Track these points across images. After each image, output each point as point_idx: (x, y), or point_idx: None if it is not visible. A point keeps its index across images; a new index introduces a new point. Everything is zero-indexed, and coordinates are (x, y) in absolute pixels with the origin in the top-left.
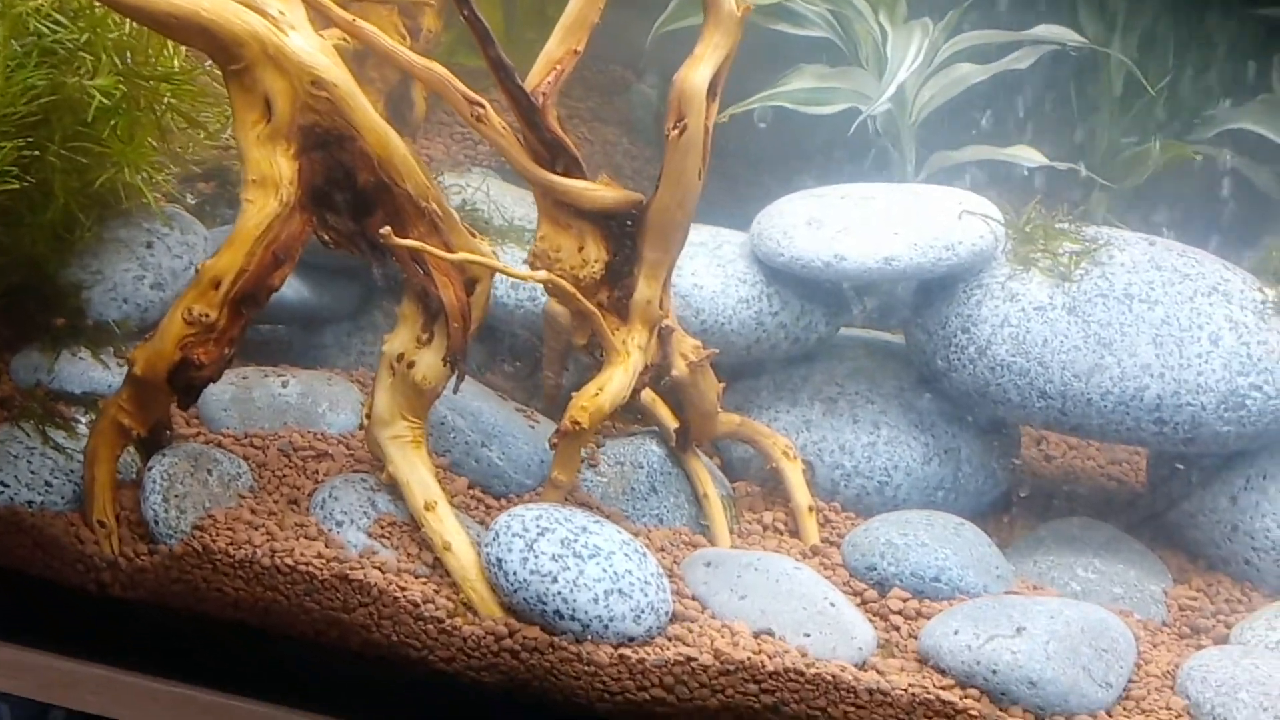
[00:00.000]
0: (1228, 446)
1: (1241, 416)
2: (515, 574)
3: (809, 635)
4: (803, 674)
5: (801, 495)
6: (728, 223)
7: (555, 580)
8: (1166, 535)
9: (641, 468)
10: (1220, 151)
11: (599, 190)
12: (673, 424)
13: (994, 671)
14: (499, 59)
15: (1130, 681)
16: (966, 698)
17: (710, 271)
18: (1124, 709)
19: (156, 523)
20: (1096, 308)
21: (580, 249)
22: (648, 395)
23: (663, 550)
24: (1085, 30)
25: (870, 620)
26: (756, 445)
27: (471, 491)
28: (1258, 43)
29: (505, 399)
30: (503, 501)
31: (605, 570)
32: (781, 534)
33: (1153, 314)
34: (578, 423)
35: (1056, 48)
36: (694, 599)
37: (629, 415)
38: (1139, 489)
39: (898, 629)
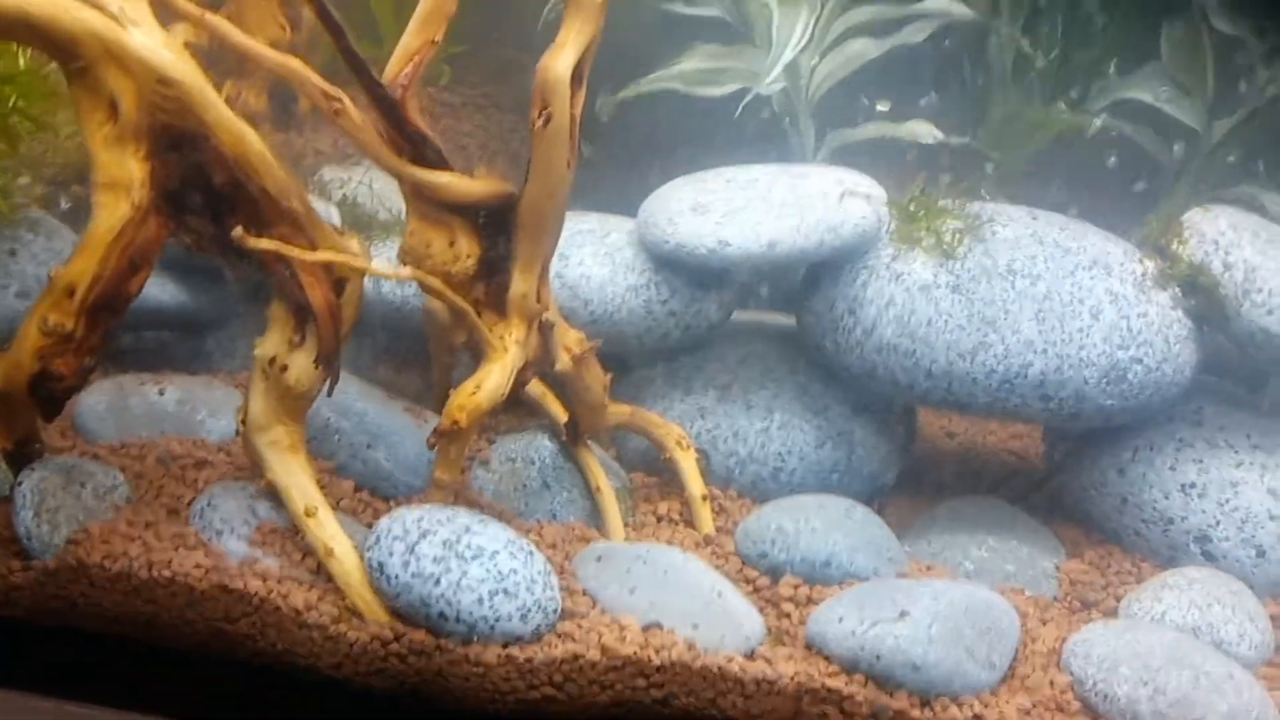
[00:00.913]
0: (1113, 419)
1: (1124, 390)
2: (397, 577)
3: (697, 627)
4: (689, 667)
5: (695, 485)
6: (630, 210)
7: (438, 582)
8: (1063, 510)
9: (533, 463)
10: (1113, 121)
11: (466, 182)
12: (564, 417)
13: (878, 657)
14: (351, 52)
15: (1016, 660)
16: (852, 684)
17: (598, 260)
18: (1009, 688)
19: (29, 538)
20: (980, 285)
21: (451, 244)
22: (538, 389)
23: (554, 546)
24: (974, 3)
25: (762, 608)
26: (649, 436)
27: (359, 494)
28: (1144, 11)
29: (393, 398)
30: (391, 503)
31: (489, 570)
32: (677, 524)
33: (1035, 289)
34: (456, 422)
35: (950, 21)
36: (585, 594)
37: (519, 410)
38: (1038, 464)
39: (789, 616)
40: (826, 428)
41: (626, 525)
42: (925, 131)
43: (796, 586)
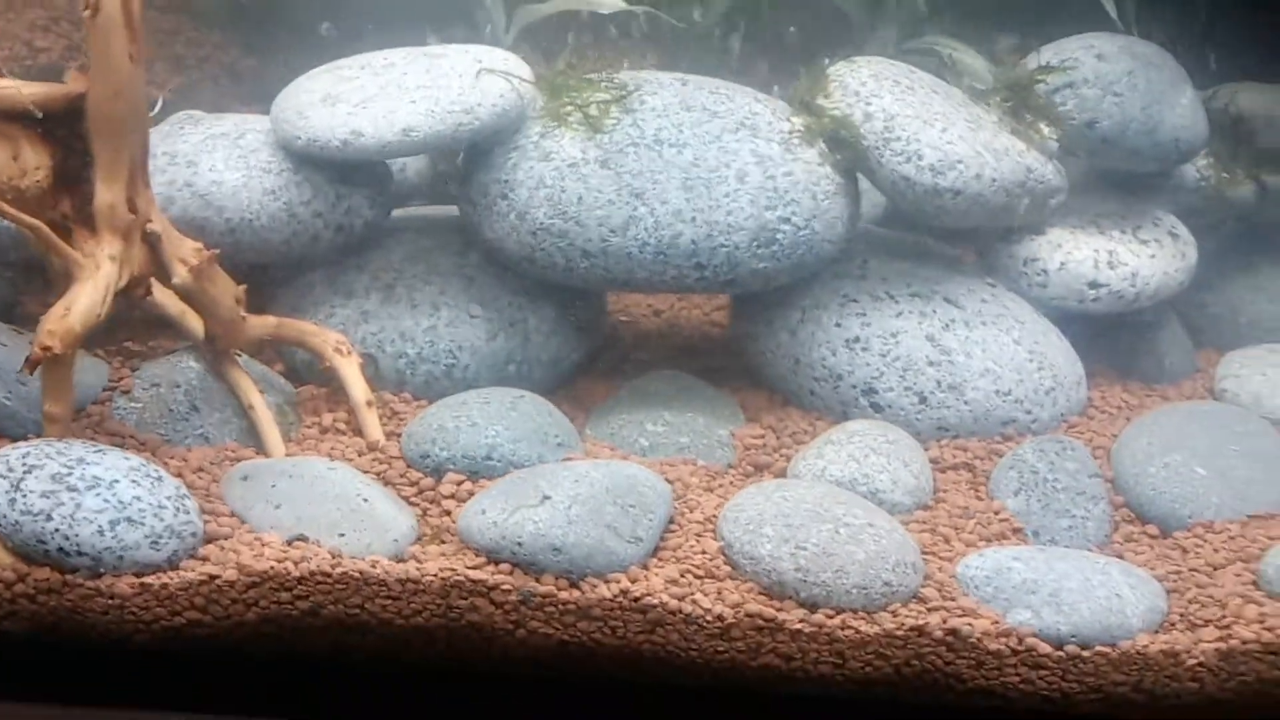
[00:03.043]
0: (772, 281)
1: (775, 251)
2: (5, 517)
3: (343, 535)
4: (330, 575)
5: (358, 390)
6: None
7: (50, 518)
8: (750, 377)
9: (179, 387)
10: None
11: (13, 86)
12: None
13: (519, 544)
14: None
15: (669, 531)
16: (498, 573)
17: (231, 164)
18: (659, 560)
19: None
20: (628, 158)
21: (15, 157)
22: (177, 307)
23: (201, 470)
24: None
25: (426, 508)
26: (305, 345)
27: None
28: None
29: (21, 333)
30: (20, 444)
31: (107, 500)
32: (344, 433)
33: (682, 157)
34: (47, 347)
35: None
36: (232, 515)
37: (158, 330)
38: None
39: (449, 514)
40: (498, 319)
41: (291, 440)
42: (609, 2)
43: (460, 483)
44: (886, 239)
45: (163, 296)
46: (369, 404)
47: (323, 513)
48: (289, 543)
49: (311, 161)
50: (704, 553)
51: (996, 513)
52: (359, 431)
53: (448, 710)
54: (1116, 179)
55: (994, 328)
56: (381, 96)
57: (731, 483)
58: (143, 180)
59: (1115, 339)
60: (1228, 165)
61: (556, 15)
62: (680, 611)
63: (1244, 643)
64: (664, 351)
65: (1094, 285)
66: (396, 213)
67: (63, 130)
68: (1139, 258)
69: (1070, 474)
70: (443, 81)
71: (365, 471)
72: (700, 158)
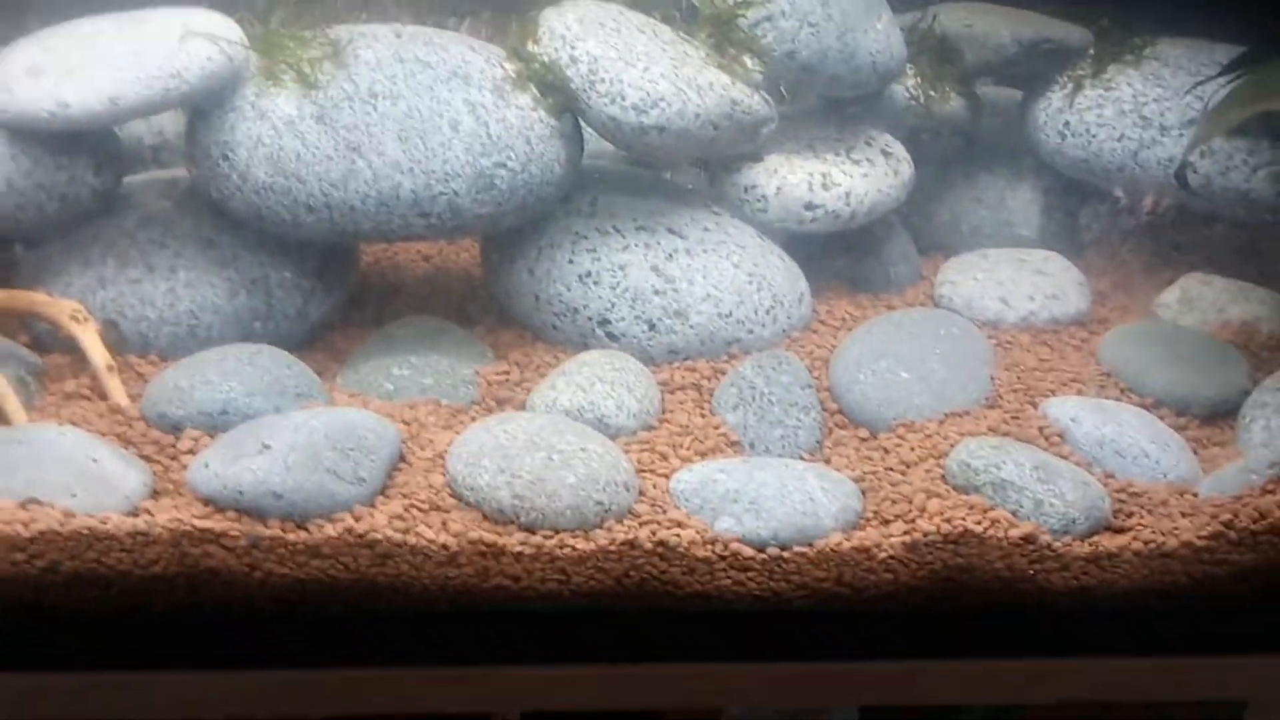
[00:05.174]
0: (499, 224)
1: (494, 196)
2: None
3: (75, 495)
4: (60, 532)
5: (98, 356)
6: None
7: None
8: (501, 316)
9: None
10: None
11: None
12: None
13: (241, 492)
14: None
15: (398, 470)
16: (224, 521)
17: None
18: (386, 497)
19: None
20: (344, 113)
21: None
22: None
23: None
24: None
25: (167, 465)
26: (39, 316)
27: None
28: None
29: None
30: None
31: None
32: (88, 399)
33: (396, 109)
34: None
35: None
36: None
37: None
38: None
39: (186, 469)
40: (237, 278)
41: (34, 409)
42: None
43: (197, 439)
44: (621, 174)
45: None
46: (110, 368)
47: (54, 477)
48: (21, 505)
49: (25, 134)
50: (431, 487)
51: (716, 428)
52: (104, 396)
53: (205, 651)
54: (832, 105)
55: (714, 254)
56: (85, 65)
57: (472, 419)
58: None
59: (845, 254)
60: (935, 84)
61: None
62: (405, 544)
63: (925, 535)
64: (428, 298)
65: (810, 207)
66: (132, 179)
67: None
68: (851, 178)
69: (784, 386)
70: (148, 48)
71: (106, 434)
72: (414, 109)
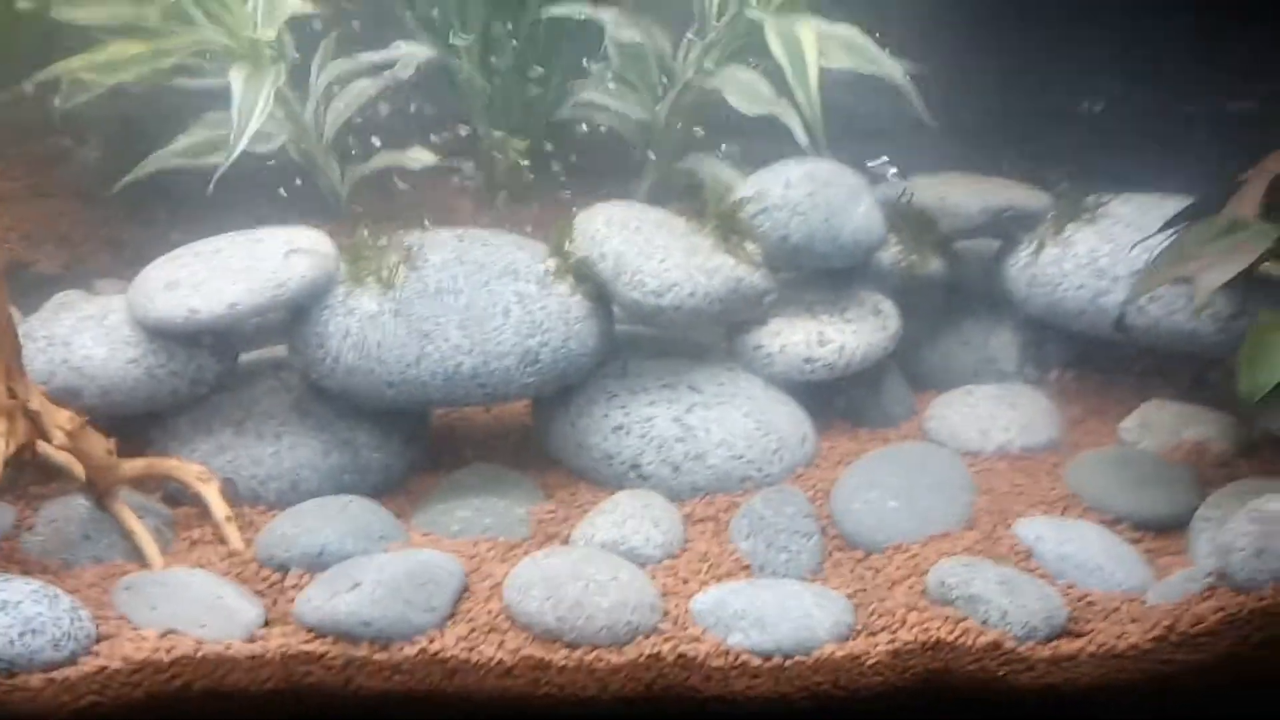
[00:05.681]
0: (544, 391)
1: (539, 368)
2: None
3: (204, 626)
4: (193, 658)
5: (218, 509)
6: None
7: None
8: (550, 461)
9: (72, 521)
10: (581, 113)
11: None
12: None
13: (337, 622)
14: None
15: (463, 598)
16: (324, 645)
17: (98, 342)
18: (453, 623)
19: None
20: (415, 307)
21: None
22: (66, 458)
23: (94, 585)
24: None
25: (276, 600)
26: (173, 478)
27: None
28: (590, 26)
29: None
30: None
31: (14, 618)
32: (211, 544)
33: (459, 303)
34: None
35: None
36: (120, 618)
37: (61, 480)
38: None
39: (293, 602)
40: (331, 439)
41: (167, 554)
42: (424, 157)
43: (301, 577)
44: (649, 338)
45: (51, 452)
46: (228, 519)
47: (187, 611)
48: (162, 636)
49: (160, 333)
50: (490, 613)
51: (731, 554)
52: (224, 541)
53: None
54: (828, 271)
55: (728, 406)
56: (210, 279)
57: (525, 552)
58: (18, 370)
59: (847, 396)
60: (916, 248)
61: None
62: (470, 660)
63: (905, 643)
64: (487, 444)
65: (809, 360)
66: (246, 357)
67: None
68: (844, 334)
69: (789, 516)
70: (260, 262)
71: (227, 574)
72: (473, 301)
